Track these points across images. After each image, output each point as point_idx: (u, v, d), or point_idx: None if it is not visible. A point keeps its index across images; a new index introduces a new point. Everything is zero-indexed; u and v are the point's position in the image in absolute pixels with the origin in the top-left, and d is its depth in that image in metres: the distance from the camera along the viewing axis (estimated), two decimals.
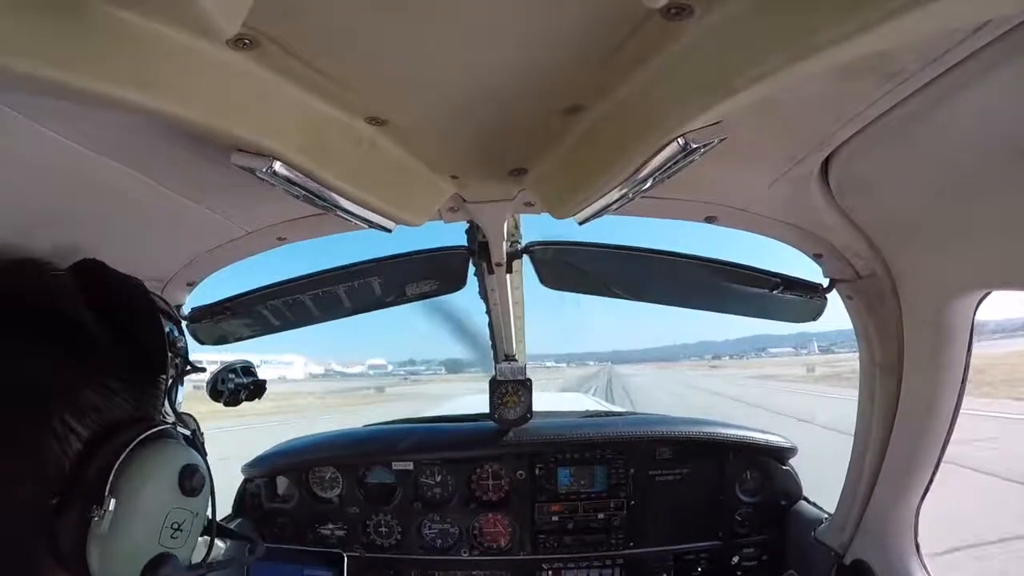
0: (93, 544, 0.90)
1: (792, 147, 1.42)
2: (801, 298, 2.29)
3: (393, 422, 3.85)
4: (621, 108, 1.21)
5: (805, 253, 2.03)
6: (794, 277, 2.25)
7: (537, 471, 3.13)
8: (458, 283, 2.74)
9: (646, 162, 1.19)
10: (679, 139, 1.09)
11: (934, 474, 2.03)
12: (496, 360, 3.22)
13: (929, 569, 2.14)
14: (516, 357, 3.22)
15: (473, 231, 2.33)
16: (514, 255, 2.47)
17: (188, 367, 1.25)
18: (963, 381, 1.83)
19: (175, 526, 1.03)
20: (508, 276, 2.56)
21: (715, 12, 0.93)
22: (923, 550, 2.16)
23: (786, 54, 0.85)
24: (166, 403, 1.15)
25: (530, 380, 3.13)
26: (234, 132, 1.07)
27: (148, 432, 1.00)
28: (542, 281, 2.77)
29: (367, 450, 3.24)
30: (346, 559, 2.72)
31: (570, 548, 3.13)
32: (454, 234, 2.41)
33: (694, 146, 1.09)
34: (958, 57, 1.00)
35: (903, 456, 2.05)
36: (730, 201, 1.85)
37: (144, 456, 0.98)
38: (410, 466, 3.15)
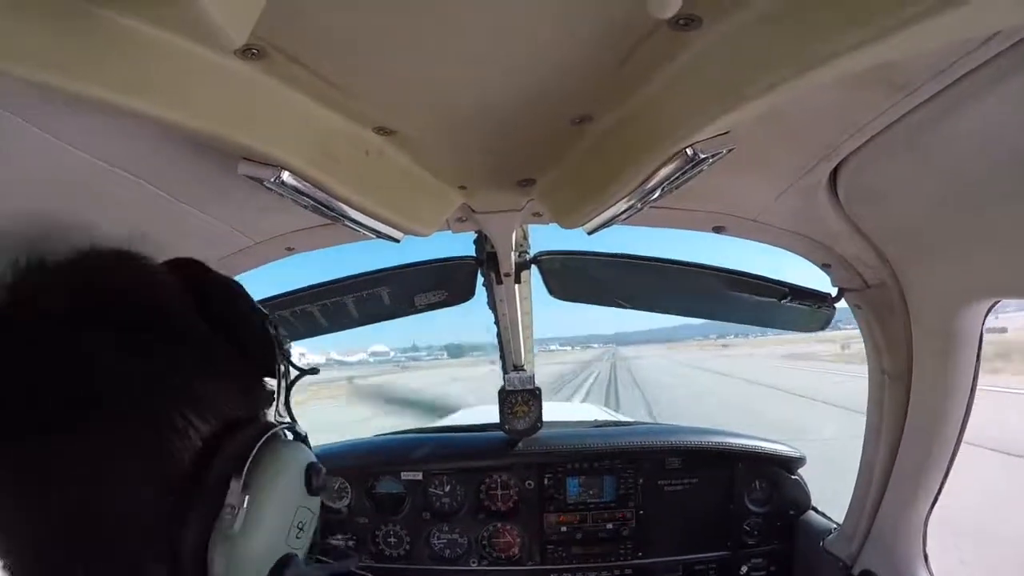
0: (218, 547, 0.86)
1: (800, 157, 1.42)
2: (809, 307, 2.29)
3: (402, 432, 3.85)
4: (629, 118, 1.22)
5: (814, 263, 2.03)
6: (802, 287, 2.25)
7: (546, 481, 3.13)
8: (467, 294, 2.75)
9: (654, 172, 1.19)
10: (687, 149, 1.09)
11: (943, 483, 2.02)
12: (505, 370, 3.22)
13: None
14: (525, 367, 3.22)
15: (481, 241, 2.34)
16: (522, 265, 2.47)
17: (297, 369, 1.23)
18: (972, 390, 1.82)
19: (300, 525, 1.01)
20: (516, 286, 2.56)
21: (723, 22, 0.93)
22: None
23: (794, 64, 0.85)
24: (279, 405, 1.14)
25: (539, 389, 3.14)
26: (241, 142, 1.07)
27: (274, 429, 0.99)
28: (551, 292, 2.78)
29: (376, 460, 3.24)
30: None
31: (579, 558, 3.12)
32: (462, 245, 2.42)
33: (702, 156, 1.09)
34: (966, 68, 0.99)
35: (912, 465, 2.05)
36: (738, 211, 1.85)
37: (275, 452, 0.97)
38: (419, 476, 3.14)
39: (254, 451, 0.92)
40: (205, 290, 1.04)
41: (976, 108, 1.08)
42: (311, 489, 1.02)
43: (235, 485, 0.88)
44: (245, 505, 0.87)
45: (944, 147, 1.24)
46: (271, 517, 0.94)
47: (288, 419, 1.15)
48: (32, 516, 0.84)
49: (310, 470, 1.03)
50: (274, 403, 1.13)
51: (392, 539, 3.15)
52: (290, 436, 1.07)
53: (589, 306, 2.98)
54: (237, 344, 1.03)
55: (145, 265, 1.01)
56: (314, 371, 1.27)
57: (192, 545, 0.85)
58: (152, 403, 0.87)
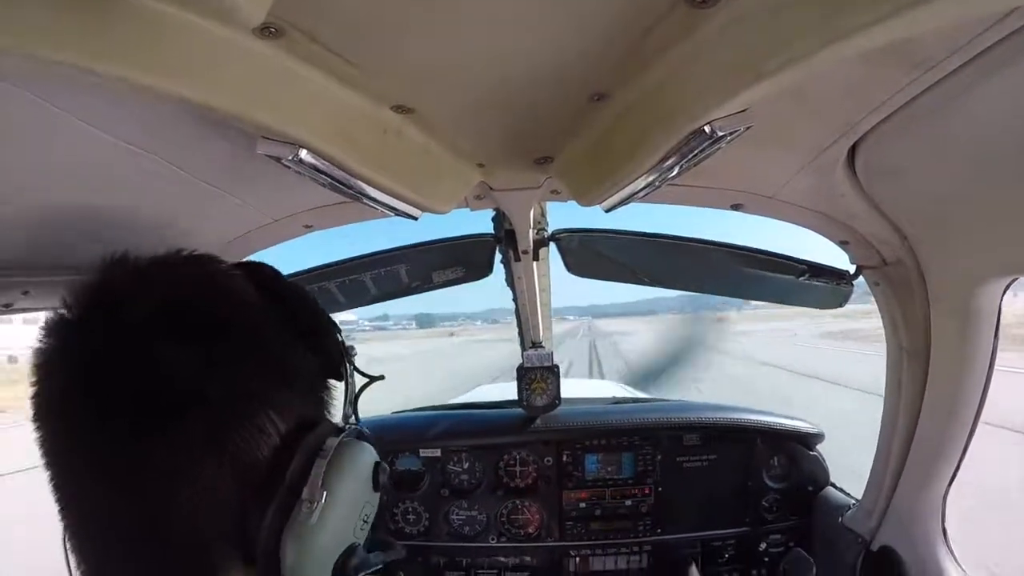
0: (291, 539, 0.91)
1: (819, 134, 1.42)
2: (827, 284, 2.29)
3: (421, 409, 3.87)
4: (647, 96, 1.21)
5: (831, 240, 2.03)
6: (821, 264, 2.25)
7: (564, 458, 3.14)
8: (485, 271, 2.77)
9: (672, 150, 1.19)
10: (705, 127, 1.08)
11: (961, 460, 2.03)
12: (523, 347, 3.24)
13: (956, 555, 2.13)
14: (543, 344, 3.23)
15: (499, 219, 2.35)
16: (540, 243, 2.48)
17: (364, 376, 1.27)
18: (990, 367, 1.83)
19: (365, 519, 1.07)
20: (535, 264, 2.57)
21: None
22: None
23: (812, 41, 0.85)
24: (345, 407, 1.19)
25: (557, 367, 3.15)
26: (260, 120, 1.07)
27: (347, 431, 1.04)
28: (568, 268, 2.79)
29: (394, 437, 3.26)
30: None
31: (598, 534, 3.14)
32: (481, 222, 2.41)
33: (720, 133, 1.09)
34: (985, 44, 0.99)
35: (930, 442, 2.06)
36: (756, 188, 1.85)
37: (349, 453, 1.02)
38: (438, 453, 3.16)
39: (331, 454, 0.97)
40: (281, 298, 1.07)
41: (994, 85, 1.08)
42: (376, 486, 1.09)
43: (314, 482, 0.94)
44: (323, 500, 0.93)
45: (963, 124, 1.24)
46: (344, 512, 1.00)
47: (355, 420, 1.21)
48: (119, 506, 0.88)
49: (376, 468, 1.09)
50: (341, 404, 1.18)
51: (411, 516, 3.18)
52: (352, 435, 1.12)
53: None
54: (310, 350, 1.07)
55: (225, 273, 1.04)
56: (381, 377, 1.31)
57: (267, 535, 0.90)
58: (235, 408, 0.91)
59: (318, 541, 0.94)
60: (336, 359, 1.16)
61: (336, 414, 1.16)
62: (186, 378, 0.87)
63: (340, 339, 1.18)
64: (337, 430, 1.04)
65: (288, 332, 1.03)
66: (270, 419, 0.93)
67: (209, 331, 0.92)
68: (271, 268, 1.15)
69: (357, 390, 1.23)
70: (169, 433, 0.86)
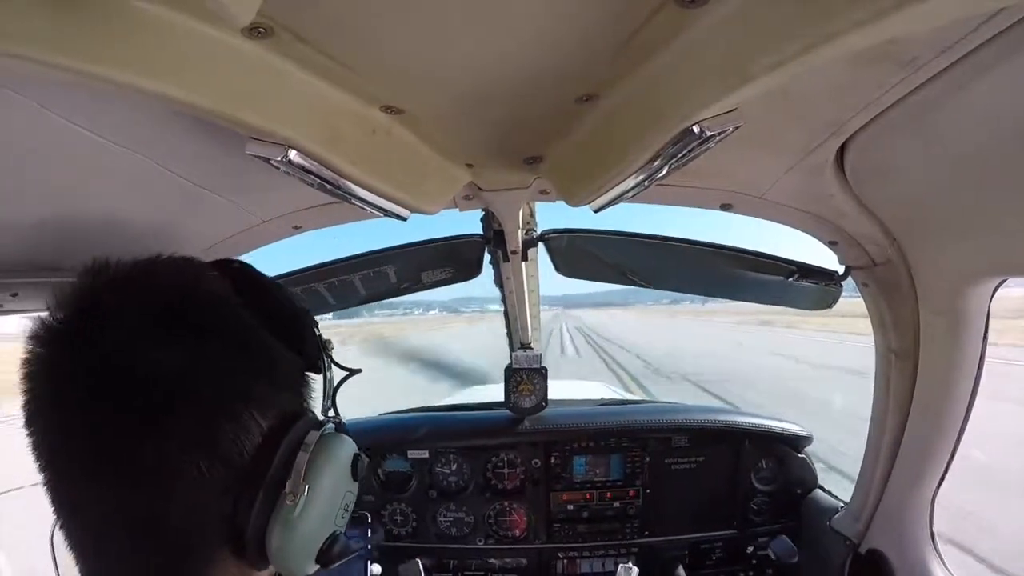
0: (277, 530, 0.95)
1: (807, 134, 1.42)
2: (817, 285, 2.29)
3: (409, 410, 3.87)
4: (636, 96, 1.21)
5: (820, 240, 2.03)
6: (810, 264, 2.25)
7: (552, 460, 3.13)
8: (473, 271, 2.76)
9: (661, 150, 1.18)
10: (694, 127, 1.08)
11: (949, 463, 2.02)
12: (512, 348, 3.23)
13: (945, 559, 2.14)
14: (532, 345, 3.22)
15: (488, 219, 2.34)
16: (529, 243, 2.48)
17: (344, 369, 1.30)
18: (979, 369, 1.83)
19: (346, 507, 1.11)
20: (524, 264, 2.56)
21: None
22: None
23: (801, 41, 0.85)
24: (325, 400, 1.22)
25: (545, 368, 3.14)
26: (249, 121, 1.07)
27: (328, 424, 1.08)
28: (557, 269, 2.79)
29: (382, 439, 3.25)
30: (370, 518, 2.74)
31: (585, 537, 3.14)
32: (470, 222, 2.41)
33: (709, 133, 1.08)
34: (973, 44, 0.99)
35: (918, 445, 2.06)
36: (745, 188, 1.84)
37: (329, 446, 1.05)
38: (426, 455, 3.15)
39: (312, 448, 1.00)
40: (258, 296, 1.09)
41: (982, 85, 1.08)
42: (355, 476, 1.12)
43: (296, 476, 0.97)
44: (305, 493, 0.97)
45: (951, 124, 1.24)
46: (325, 502, 1.03)
47: (334, 413, 1.23)
48: (113, 505, 0.90)
49: (356, 459, 1.12)
50: (320, 398, 1.20)
51: (399, 517, 3.17)
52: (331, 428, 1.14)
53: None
54: (289, 346, 1.09)
55: (204, 274, 1.06)
56: (359, 371, 1.34)
57: (254, 528, 0.94)
58: (221, 407, 0.93)
59: (302, 531, 0.98)
60: (314, 353, 1.19)
61: (316, 407, 1.17)
62: (171, 380, 0.89)
63: (317, 334, 1.20)
64: (317, 424, 1.06)
65: (267, 329, 1.04)
66: (253, 416, 0.95)
67: (191, 332, 0.94)
68: (247, 266, 1.17)
69: (335, 384, 1.25)
70: (158, 434, 0.87)
